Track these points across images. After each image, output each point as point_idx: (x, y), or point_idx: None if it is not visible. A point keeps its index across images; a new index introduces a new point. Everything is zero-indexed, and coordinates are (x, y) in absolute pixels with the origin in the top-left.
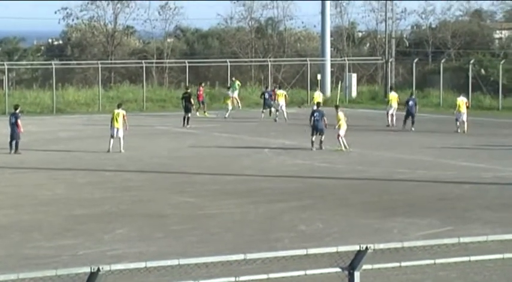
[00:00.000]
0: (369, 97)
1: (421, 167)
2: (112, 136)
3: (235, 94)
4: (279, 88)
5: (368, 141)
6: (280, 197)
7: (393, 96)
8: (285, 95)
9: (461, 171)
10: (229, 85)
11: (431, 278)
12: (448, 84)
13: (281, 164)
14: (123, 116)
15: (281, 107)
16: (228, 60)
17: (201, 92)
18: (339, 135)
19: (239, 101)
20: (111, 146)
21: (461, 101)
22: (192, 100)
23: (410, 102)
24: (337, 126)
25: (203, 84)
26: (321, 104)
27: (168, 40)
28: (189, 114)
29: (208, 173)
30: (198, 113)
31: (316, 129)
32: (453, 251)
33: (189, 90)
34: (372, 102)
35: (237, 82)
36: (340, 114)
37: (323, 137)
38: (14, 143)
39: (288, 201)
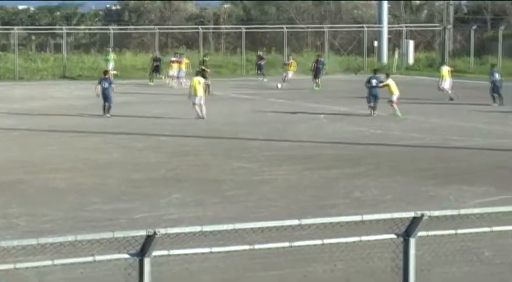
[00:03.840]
0: (426, 64)
1: (478, 135)
2: (194, 103)
3: (110, 66)
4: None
5: (424, 109)
6: (336, 163)
7: None
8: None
9: None
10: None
11: (488, 246)
12: (506, 51)
13: (336, 131)
14: (203, 83)
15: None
16: (284, 26)
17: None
18: (392, 102)
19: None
20: (199, 113)
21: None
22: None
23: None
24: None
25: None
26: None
27: (225, 6)
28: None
29: (264, 139)
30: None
31: (372, 95)
32: (510, 219)
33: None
34: (429, 70)
35: (111, 54)
36: (390, 81)
37: (376, 104)
38: (106, 105)
39: (343, 168)
